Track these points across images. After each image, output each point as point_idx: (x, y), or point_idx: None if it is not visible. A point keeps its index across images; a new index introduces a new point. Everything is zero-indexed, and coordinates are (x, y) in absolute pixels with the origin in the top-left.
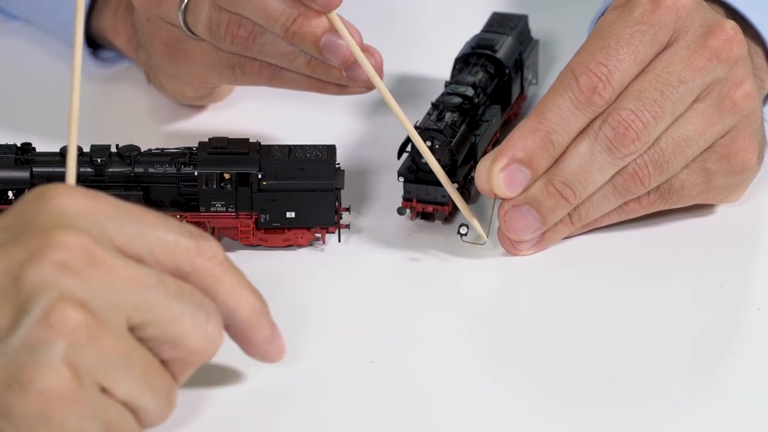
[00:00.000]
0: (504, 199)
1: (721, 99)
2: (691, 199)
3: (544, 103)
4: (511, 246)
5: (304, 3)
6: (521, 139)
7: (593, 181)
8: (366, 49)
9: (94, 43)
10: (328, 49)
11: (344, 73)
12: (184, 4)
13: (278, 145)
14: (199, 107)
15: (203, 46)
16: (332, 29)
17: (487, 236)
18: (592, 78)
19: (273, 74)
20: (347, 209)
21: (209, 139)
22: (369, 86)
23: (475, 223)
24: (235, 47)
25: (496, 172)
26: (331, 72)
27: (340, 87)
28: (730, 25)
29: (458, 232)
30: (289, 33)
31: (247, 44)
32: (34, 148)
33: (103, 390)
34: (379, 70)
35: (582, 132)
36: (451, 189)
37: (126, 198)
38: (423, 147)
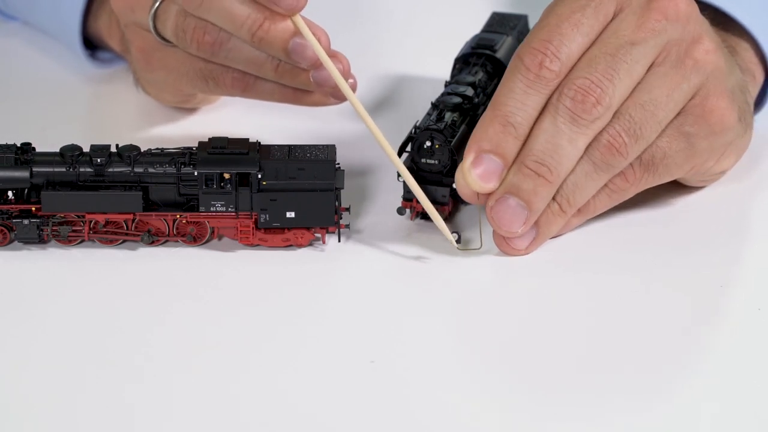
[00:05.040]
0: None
1: (681, 58)
2: (678, 168)
3: (497, 92)
4: (507, 246)
5: (268, 7)
6: (482, 131)
7: (565, 154)
8: (333, 55)
9: (91, 44)
10: (296, 51)
11: (312, 78)
12: (153, 10)
13: (278, 145)
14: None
15: (177, 54)
16: (299, 32)
17: (481, 242)
18: (537, 55)
19: (247, 86)
20: (347, 209)
21: (209, 139)
22: (337, 95)
23: (445, 231)
24: (201, 53)
25: (468, 169)
26: (299, 77)
27: (315, 98)
28: None
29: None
30: (256, 38)
31: (213, 50)
32: (34, 148)
33: None
34: (346, 75)
35: (543, 110)
36: (423, 199)
37: (126, 198)
38: (377, 131)
